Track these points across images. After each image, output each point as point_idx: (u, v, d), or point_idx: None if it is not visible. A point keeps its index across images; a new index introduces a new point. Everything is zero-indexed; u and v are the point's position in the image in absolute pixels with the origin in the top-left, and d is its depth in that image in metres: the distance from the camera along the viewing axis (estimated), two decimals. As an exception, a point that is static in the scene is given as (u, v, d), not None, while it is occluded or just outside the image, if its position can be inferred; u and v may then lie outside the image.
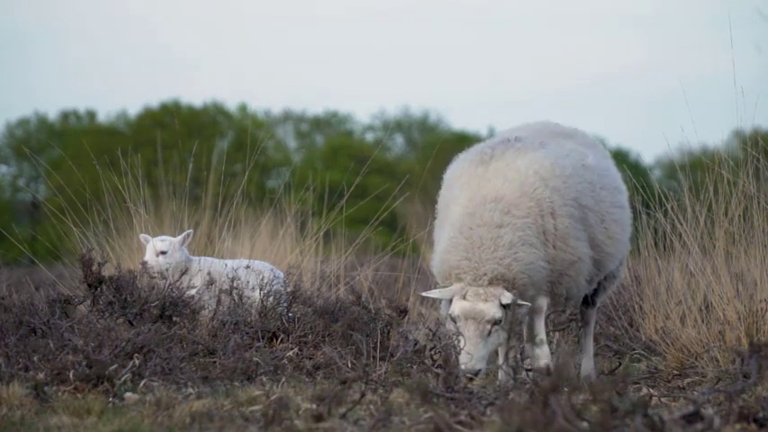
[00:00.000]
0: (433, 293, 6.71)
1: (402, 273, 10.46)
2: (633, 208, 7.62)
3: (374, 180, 25.43)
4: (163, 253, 7.89)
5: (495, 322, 6.55)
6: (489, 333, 6.55)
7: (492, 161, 6.85)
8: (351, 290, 8.80)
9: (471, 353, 6.49)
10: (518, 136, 7.07)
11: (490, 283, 6.58)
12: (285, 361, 6.92)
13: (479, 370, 6.47)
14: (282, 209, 10.46)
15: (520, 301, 6.58)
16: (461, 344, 6.52)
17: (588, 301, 7.52)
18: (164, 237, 8.04)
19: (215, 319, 7.32)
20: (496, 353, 6.93)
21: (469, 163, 6.94)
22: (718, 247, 7.65)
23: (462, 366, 6.42)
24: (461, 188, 6.86)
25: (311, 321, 7.32)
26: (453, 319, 6.59)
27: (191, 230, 8.15)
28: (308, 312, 7.46)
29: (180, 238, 8.00)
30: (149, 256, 7.90)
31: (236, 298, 7.60)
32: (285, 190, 10.66)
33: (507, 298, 6.56)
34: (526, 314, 6.75)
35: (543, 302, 6.89)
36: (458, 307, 6.59)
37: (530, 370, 6.59)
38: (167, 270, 7.85)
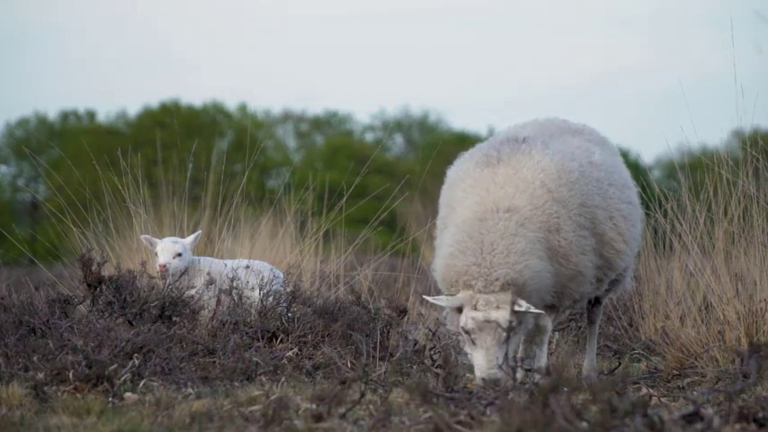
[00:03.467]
0: (441, 301, 6.49)
1: (402, 273, 10.45)
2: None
3: (374, 180, 25.41)
4: (179, 255, 7.85)
5: (511, 328, 6.37)
6: (505, 340, 6.35)
7: (499, 165, 6.70)
8: (350, 290, 8.80)
9: (491, 362, 6.31)
10: (525, 136, 6.95)
11: (501, 288, 6.38)
12: (285, 361, 6.92)
13: (500, 378, 6.26)
14: (282, 209, 10.45)
15: (533, 309, 6.39)
16: (477, 356, 6.38)
17: (592, 300, 7.46)
18: (175, 239, 7.96)
19: (215, 319, 7.32)
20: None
21: (475, 164, 6.79)
22: (718, 247, 7.65)
23: (481, 375, 6.30)
24: (466, 191, 6.72)
25: (311, 321, 7.32)
26: (467, 332, 6.38)
27: (200, 231, 8.13)
28: (307, 312, 7.45)
29: (190, 238, 7.96)
30: (167, 259, 7.82)
31: (235, 298, 7.59)
32: (285, 190, 10.67)
33: (521, 305, 6.36)
34: (532, 322, 6.64)
35: (547, 322, 6.74)
36: (470, 319, 6.37)
37: (529, 370, 6.54)
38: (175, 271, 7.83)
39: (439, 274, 6.65)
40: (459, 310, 6.46)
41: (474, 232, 6.51)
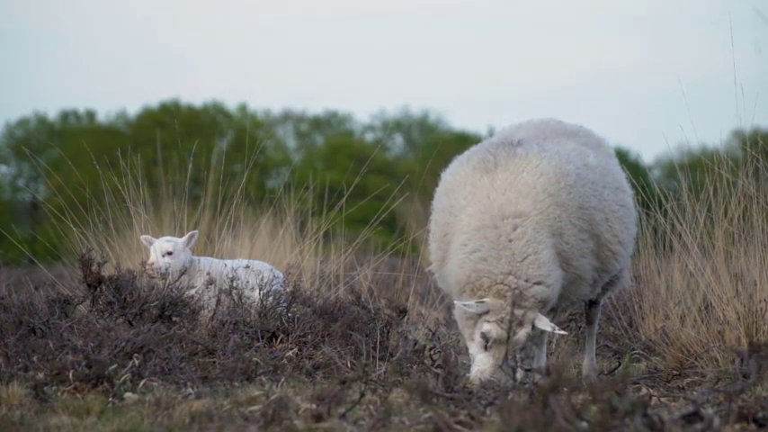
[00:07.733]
0: (471, 306, 6.43)
1: (402, 273, 10.45)
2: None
3: (374, 180, 25.41)
4: (169, 253, 7.86)
5: (524, 346, 6.44)
6: (517, 351, 6.42)
7: (497, 170, 6.66)
8: (350, 290, 8.79)
9: (494, 369, 6.35)
10: (519, 138, 6.93)
11: (533, 305, 6.41)
12: (285, 361, 6.92)
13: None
14: (282, 209, 10.45)
15: (558, 330, 6.44)
16: (482, 359, 6.40)
17: (587, 302, 7.45)
18: (169, 237, 7.98)
19: (215, 319, 7.32)
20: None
21: (473, 170, 6.74)
22: (718, 247, 7.65)
23: (480, 377, 6.32)
24: (467, 198, 6.67)
25: (311, 321, 7.32)
26: (484, 336, 6.41)
27: (195, 231, 8.13)
28: (307, 312, 7.45)
29: (185, 238, 7.97)
30: (155, 257, 7.84)
31: (235, 298, 7.59)
32: (285, 190, 10.67)
33: (546, 324, 6.41)
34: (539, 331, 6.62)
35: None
36: (494, 329, 6.40)
37: (529, 370, 6.54)
38: (167, 270, 7.83)
39: (457, 277, 6.58)
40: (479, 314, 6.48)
41: (496, 239, 6.49)
